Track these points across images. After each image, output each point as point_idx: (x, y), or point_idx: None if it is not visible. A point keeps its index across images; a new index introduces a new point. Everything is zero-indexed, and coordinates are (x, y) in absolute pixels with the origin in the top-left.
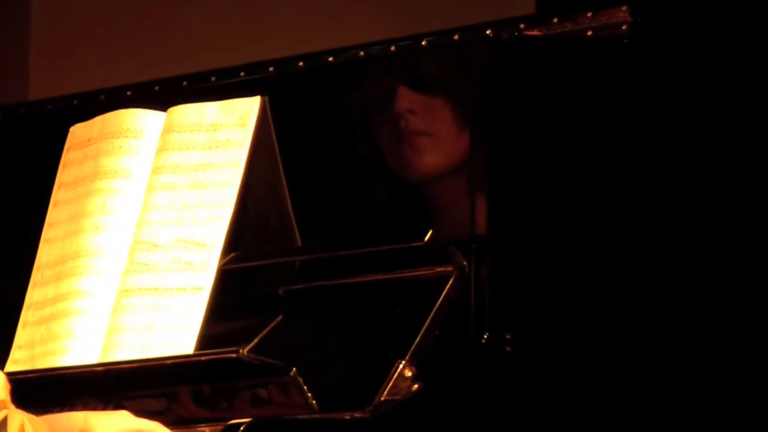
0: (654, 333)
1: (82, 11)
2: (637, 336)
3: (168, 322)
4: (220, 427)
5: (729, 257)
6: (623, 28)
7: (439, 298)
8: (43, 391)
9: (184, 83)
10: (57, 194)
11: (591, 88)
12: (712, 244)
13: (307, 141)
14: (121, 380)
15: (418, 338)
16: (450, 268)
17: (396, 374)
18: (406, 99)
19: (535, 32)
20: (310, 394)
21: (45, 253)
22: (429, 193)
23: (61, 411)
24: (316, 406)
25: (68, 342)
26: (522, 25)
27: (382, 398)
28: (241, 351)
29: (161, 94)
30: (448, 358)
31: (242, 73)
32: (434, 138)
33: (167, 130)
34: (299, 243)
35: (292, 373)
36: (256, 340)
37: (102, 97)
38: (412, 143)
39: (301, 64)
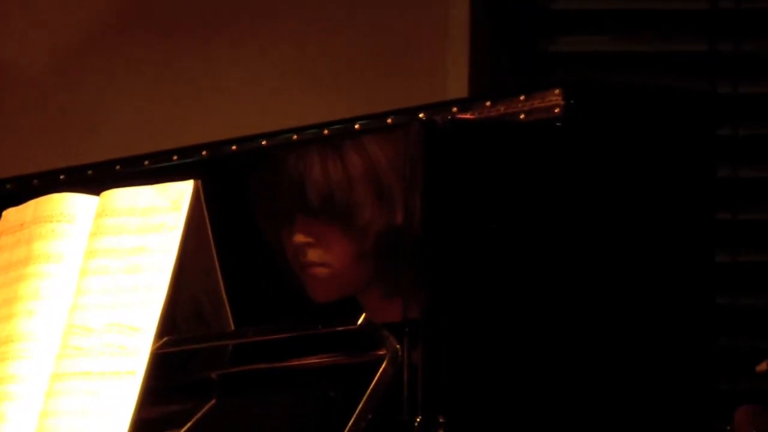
0: (593, 415)
1: (12, 96)
2: (572, 421)
3: (102, 406)
4: None
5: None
6: (556, 111)
7: (372, 382)
8: None
9: (117, 167)
10: None
11: (524, 170)
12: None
13: (240, 224)
14: None
15: (351, 422)
16: (383, 352)
17: None
18: (304, 230)
19: (468, 115)
20: None
21: None
22: None
23: None
24: None
25: (1, 426)
26: (455, 108)
27: None
28: None
29: (94, 178)
30: None
31: (175, 157)
32: (331, 268)
33: (100, 214)
34: (232, 326)
35: None
36: (189, 425)
37: (35, 181)
38: (311, 274)
39: (234, 147)
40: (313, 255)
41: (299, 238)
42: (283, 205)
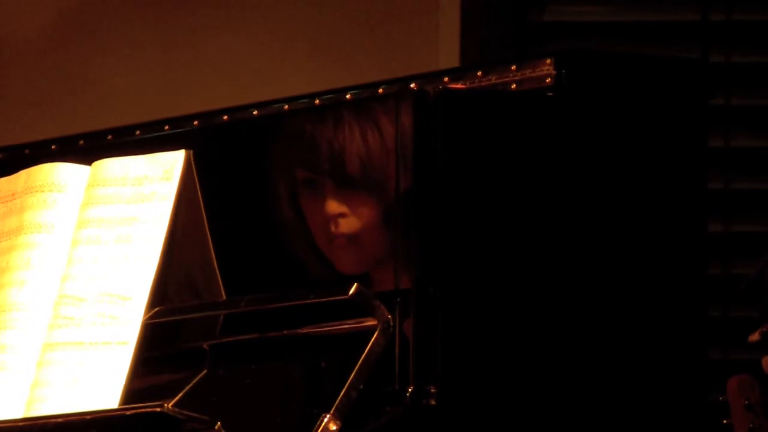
0: (584, 382)
1: (5, 65)
2: (563, 391)
3: (93, 376)
4: None
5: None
6: (547, 81)
7: (363, 352)
8: None
9: (109, 137)
10: None
11: (515, 140)
12: (630, 295)
13: (232, 194)
14: None
15: (342, 392)
16: (374, 322)
17: (321, 428)
18: (337, 200)
19: (459, 85)
20: None
21: None
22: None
23: None
24: None
25: None
26: (446, 78)
27: None
28: (165, 405)
29: (86, 148)
30: (372, 412)
31: (167, 127)
32: (362, 240)
33: (92, 184)
34: (224, 296)
35: (216, 427)
36: (180, 395)
37: (26, 150)
38: (341, 245)
39: (225, 117)
40: (346, 226)
41: (332, 208)
42: (310, 174)
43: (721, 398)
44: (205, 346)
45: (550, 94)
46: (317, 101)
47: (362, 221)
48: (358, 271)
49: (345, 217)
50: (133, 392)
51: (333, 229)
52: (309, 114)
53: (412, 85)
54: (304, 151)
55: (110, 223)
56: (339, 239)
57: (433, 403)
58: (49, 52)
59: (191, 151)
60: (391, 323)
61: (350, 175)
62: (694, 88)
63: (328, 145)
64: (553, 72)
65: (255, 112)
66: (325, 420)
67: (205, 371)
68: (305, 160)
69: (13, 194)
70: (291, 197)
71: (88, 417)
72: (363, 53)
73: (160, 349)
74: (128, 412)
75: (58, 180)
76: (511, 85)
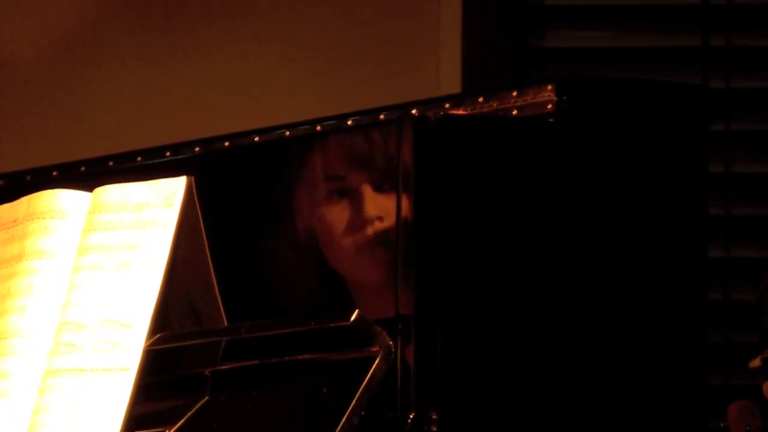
0: (586, 409)
1: (4, 92)
2: (566, 418)
3: (94, 403)
4: None
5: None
6: (548, 107)
7: (365, 378)
8: None
9: (110, 163)
10: None
11: (516, 166)
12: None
13: (233, 220)
14: None
15: (344, 418)
16: (376, 348)
17: None
18: (375, 205)
19: (461, 111)
20: None
21: None
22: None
23: None
24: None
25: None
26: (447, 104)
27: None
28: None
29: (87, 174)
30: None
31: (168, 153)
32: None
33: (93, 210)
34: (225, 323)
35: None
36: (182, 421)
37: (28, 177)
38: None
39: (226, 143)
40: (379, 228)
41: (371, 211)
42: (349, 182)
43: (722, 424)
44: (206, 372)
45: (551, 120)
46: (318, 127)
47: (391, 221)
48: (379, 282)
49: (382, 221)
50: (134, 419)
51: (369, 231)
52: (311, 140)
53: (413, 111)
54: (336, 153)
55: (111, 250)
56: (375, 245)
57: (434, 429)
58: (50, 78)
59: (192, 177)
60: (393, 349)
61: (372, 181)
62: (695, 113)
63: (382, 152)
64: (554, 98)
65: (256, 138)
66: None
67: (206, 397)
68: (336, 160)
69: (14, 221)
70: (290, 218)
71: None
72: (364, 78)
73: (162, 375)
74: None
75: (59, 206)
76: (512, 111)
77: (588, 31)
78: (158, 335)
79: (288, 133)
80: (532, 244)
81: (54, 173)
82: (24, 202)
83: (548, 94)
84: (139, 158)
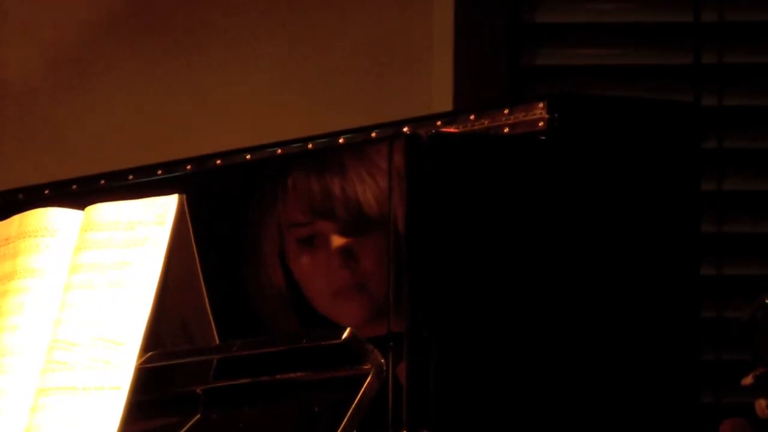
0: (579, 428)
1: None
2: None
3: (86, 421)
4: None
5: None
6: (540, 124)
7: (357, 396)
8: None
9: (102, 181)
10: None
11: (508, 184)
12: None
13: (225, 238)
14: None
15: None
16: (368, 366)
17: None
18: (346, 247)
19: (452, 129)
20: None
21: None
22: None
23: None
24: None
25: None
26: (439, 122)
27: None
28: None
29: (79, 192)
30: None
31: (160, 171)
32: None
33: (85, 228)
34: (217, 341)
35: None
36: None
37: (20, 195)
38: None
39: (218, 161)
40: (356, 272)
41: (339, 255)
42: (307, 220)
43: None
44: (198, 390)
45: (543, 137)
46: (310, 145)
47: (371, 265)
48: (366, 322)
49: (356, 261)
50: None
51: (343, 276)
52: (303, 158)
53: (405, 129)
54: (302, 197)
55: (103, 268)
56: (348, 290)
57: None
58: (42, 97)
59: (184, 196)
60: (385, 367)
61: (366, 219)
62: (687, 131)
63: (327, 189)
64: (546, 115)
65: (248, 156)
66: None
67: (198, 415)
68: (301, 207)
69: (6, 239)
70: (280, 236)
71: None
72: (356, 97)
73: (154, 393)
74: None
75: (51, 225)
76: (503, 128)
77: (580, 49)
78: (150, 353)
79: (280, 150)
80: (525, 262)
81: (46, 191)
82: (16, 220)
83: (540, 111)
84: (130, 176)
